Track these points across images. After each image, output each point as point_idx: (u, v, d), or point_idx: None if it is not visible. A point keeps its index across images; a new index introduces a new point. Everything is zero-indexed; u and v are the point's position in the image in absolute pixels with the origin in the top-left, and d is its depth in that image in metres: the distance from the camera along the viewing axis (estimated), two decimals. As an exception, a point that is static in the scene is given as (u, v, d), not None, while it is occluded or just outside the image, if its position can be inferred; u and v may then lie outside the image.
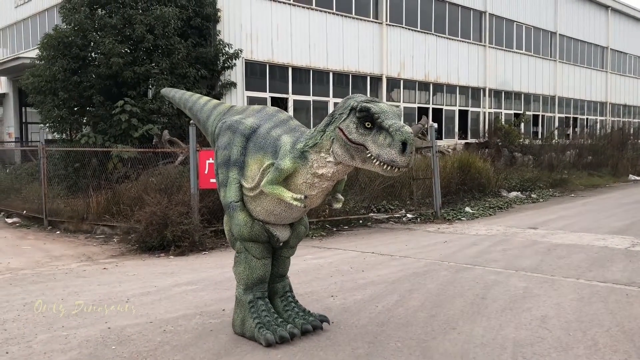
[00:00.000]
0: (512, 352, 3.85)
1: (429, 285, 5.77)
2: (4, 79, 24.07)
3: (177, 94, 5.48)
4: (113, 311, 4.98)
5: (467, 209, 12.09)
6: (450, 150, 17.93)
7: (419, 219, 11.06)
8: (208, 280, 6.20)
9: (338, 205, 4.07)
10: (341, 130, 3.51)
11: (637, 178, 21.48)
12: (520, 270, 6.42)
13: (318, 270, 6.56)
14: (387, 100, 20.83)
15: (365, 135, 3.41)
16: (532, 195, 14.90)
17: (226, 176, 4.14)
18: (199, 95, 5.26)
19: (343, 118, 3.52)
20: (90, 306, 5.15)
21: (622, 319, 4.57)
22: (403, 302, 5.13)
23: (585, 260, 6.99)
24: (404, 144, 3.27)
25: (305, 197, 3.76)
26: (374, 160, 3.38)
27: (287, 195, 3.73)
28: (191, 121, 9.37)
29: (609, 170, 21.12)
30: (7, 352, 3.98)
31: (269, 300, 4.21)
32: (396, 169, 3.35)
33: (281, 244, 4.20)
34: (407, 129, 3.32)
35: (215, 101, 5.01)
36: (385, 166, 3.35)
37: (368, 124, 3.40)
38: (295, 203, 3.72)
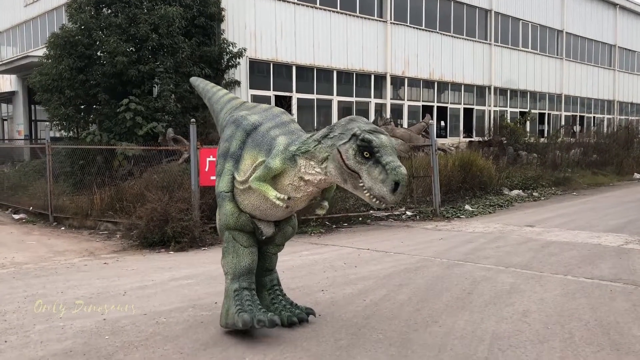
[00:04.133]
0: (489, 344, 3.98)
1: (418, 281, 5.90)
2: (13, 77, 24.42)
3: (201, 84, 5.62)
4: (110, 303, 5.16)
5: (467, 206, 12.18)
6: (452, 148, 17.99)
7: (418, 217, 11.18)
8: (204, 275, 6.37)
9: (321, 212, 4.13)
10: (339, 153, 3.59)
11: (642, 177, 21.42)
12: (510, 267, 6.54)
13: (312, 266, 6.71)
14: (393, 99, 20.96)
15: (362, 165, 3.50)
16: (534, 194, 14.95)
17: (222, 167, 4.29)
18: (219, 87, 5.44)
19: (343, 141, 3.59)
20: (88, 299, 5.34)
21: (602, 314, 4.69)
22: (390, 297, 5.27)
23: (576, 257, 7.10)
24: (397, 184, 3.38)
25: (289, 198, 3.88)
26: (365, 192, 3.49)
27: (272, 193, 3.86)
28: (192, 120, 9.58)
29: (614, 168, 21.07)
30: (5, 341, 4.17)
31: (256, 293, 4.25)
32: (383, 204, 3.50)
33: (264, 237, 4.27)
34: (403, 170, 3.43)
35: (231, 95, 5.18)
36: (374, 199, 3.48)
37: (366, 154, 3.49)
38: (277, 202, 3.84)
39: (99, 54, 13.77)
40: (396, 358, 3.76)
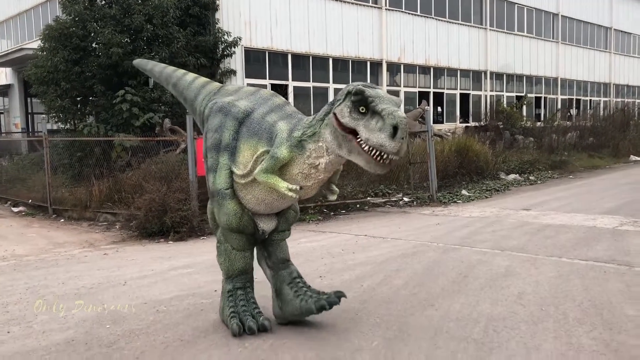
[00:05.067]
0: (484, 326, 4.06)
1: (415, 266, 5.97)
2: (8, 70, 24.33)
3: (155, 68, 5.23)
4: (110, 293, 5.22)
5: (464, 191, 12.25)
6: (449, 134, 18.03)
7: (415, 203, 11.25)
8: (203, 264, 6.43)
9: (333, 197, 3.93)
10: (335, 115, 3.40)
11: (638, 159, 21.50)
12: (506, 250, 6.62)
13: (310, 253, 6.78)
14: (389, 85, 20.93)
15: (358, 120, 3.28)
16: (531, 178, 15.03)
17: (216, 161, 3.95)
18: (184, 71, 5.01)
19: (339, 103, 3.40)
20: (89, 289, 5.40)
21: (595, 295, 4.76)
22: (387, 281, 5.34)
23: (571, 239, 7.17)
24: (395, 128, 3.14)
25: (301, 187, 3.64)
26: (363, 145, 3.25)
27: (282, 185, 3.60)
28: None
29: (610, 151, 21.15)
30: (8, 332, 4.23)
31: (251, 290, 4.13)
32: (382, 159, 3.22)
33: (266, 236, 4.10)
34: (401, 114, 3.20)
35: (203, 79, 4.77)
36: (373, 152, 3.21)
37: (362, 109, 3.28)
38: (290, 194, 3.59)
39: (93, 45, 13.73)
40: (392, 341, 3.83)
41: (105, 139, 11.97)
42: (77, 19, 13.53)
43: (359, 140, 3.28)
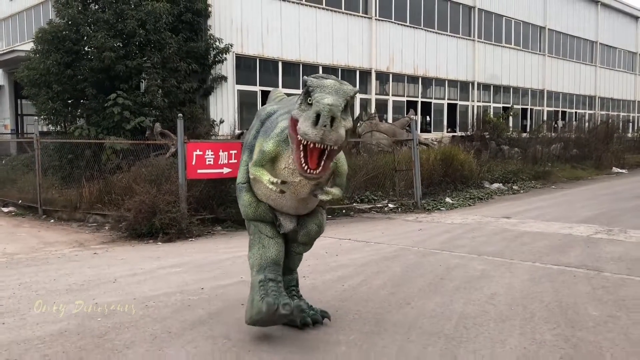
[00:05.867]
0: (455, 323, 4.31)
1: (395, 268, 6.22)
2: (0, 71, 24.39)
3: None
4: (101, 290, 5.42)
5: (448, 199, 12.55)
6: (435, 142, 18.36)
7: (400, 209, 11.52)
8: (191, 264, 6.64)
9: (323, 197, 3.69)
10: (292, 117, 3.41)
11: (620, 171, 21.97)
12: (483, 255, 6.89)
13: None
14: (378, 94, 21.25)
15: (303, 111, 3.27)
16: (514, 187, 15.37)
17: (242, 158, 4.25)
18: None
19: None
20: (80, 286, 5.59)
21: (563, 296, 5.04)
22: (367, 282, 5.59)
23: (547, 246, 7.46)
24: (318, 115, 3.10)
25: (283, 182, 3.62)
26: (298, 137, 3.24)
27: (265, 178, 3.63)
28: (179, 115, 9.79)
29: (593, 163, 21.59)
30: (3, 323, 4.42)
31: (282, 286, 3.98)
32: (304, 170, 3.26)
33: (282, 231, 4.07)
34: (330, 100, 3.13)
35: (280, 95, 4.91)
36: (301, 139, 3.20)
37: (310, 100, 3.25)
38: (270, 187, 3.59)
39: (86, 49, 13.92)
40: (369, 335, 4.07)
41: (96, 142, 12.14)
42: (70, 22, 13.71)
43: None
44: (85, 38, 13.69)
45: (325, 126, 3.10)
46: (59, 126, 15.00)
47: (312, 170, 3.30)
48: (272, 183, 3.58)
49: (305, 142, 3.22)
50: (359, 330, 4.16)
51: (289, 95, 4.96)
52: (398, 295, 5.10)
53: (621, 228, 8.83)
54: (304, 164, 3.29)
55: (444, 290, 5.28)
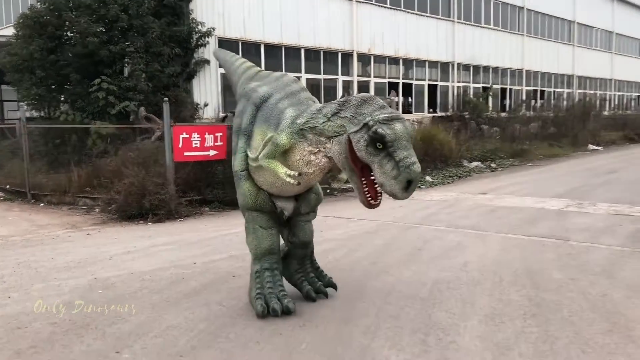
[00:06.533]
0: (430, 287, 4.69)
1: (376, 241, 6.60)
2: (-22, 57, 24.13)
3: (222, 55, 5.43)
4: (98, 266, 5.71)
5: (428, 177, 12.95)
6: (415, 123, 18.72)
7: (381, 188, 11.88)
8: (182, 242, 6.95)
9: (342, 176, 4.16)
10: (349, 141, 3.45)
11: (596, 148, 22.60)
12: (459, 228, 7.29)
13: (281, 232, 7.35)
14: (360, 76, 21.52)
15: (374, 157, 3.34)
16: (492, 165, 15.85)
17: (236, 144, 4.21)
18: (238, 57, 5.20)
19: (355, 129, 3.42)
20: (77, 263, 5.88)
21: (530, 263, 5.45)
22: (350, 254, 5.95)
23: (519, 219, 7.89)
24: (409, 183, 3.29)
25: (300, 174, 3.73)
26: (376, 186, 3.44)
27: (281, 170, 3.71)
28: (165, 99, 10.01)
29: (570, 140, 22.17)
30: (9, 297, 4.71)
31: (278, 273, 4.20)
32: (375, 201, 3.51)
33: (286, 216, 4.21)
34: (417, 168, 3.30)
35: (247, 64, 4.91)
36: (387, 194, 3.40)
37: (379, 145, 3.32)
38: (288, 180, 3.68)
39: (69, 34, 13.97)
40: (351, 299, 4.43)
41: (81, 127, 12.29)
42: (52, 8, 13.74)
43: (371, 177, 3.42)
44: (67, 23, 13.74)
45: (413, 191, 3.37)
46: (42, 112, 15.08)
47: (374, 201, 3.55)
48: (290, 176, 3.69)
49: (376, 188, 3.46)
50: (342, 296, 4.52)
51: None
52: (378, 265, 5.47)
53: (591, 202, 9.30)
54: (368, 196, 3.52)
55: (421, 260, 5.67)
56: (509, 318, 3.95)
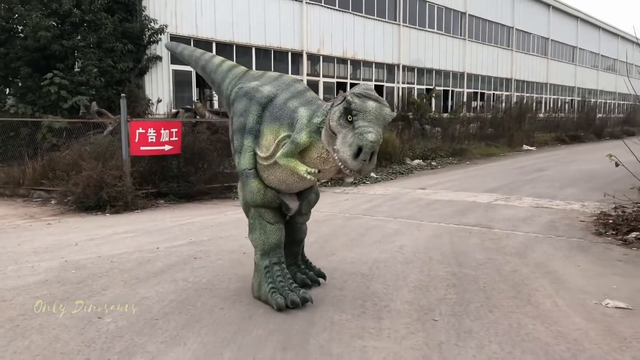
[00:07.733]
0: (370, 266, 5.40)
1: (324, 229, 7.27)
2: None
3: (185, 51, 5.48)
4: (66, 251, 6.14)
5: (372, 174, 13.75)
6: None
7: (329, 184, 12.58)
8: (143, 230, 7.42)
9: (348, 180, 4.47)
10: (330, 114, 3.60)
11: (530, 148, 24.11)
12: (398, 218, 8.07)
13: (237, 222, 7.90)
14: (310, 75, 22.18)
15: (342, 128, 3.44)
16: (433, 163, 16.85)
17: (241, 143, 4.23)
18: (212, 54, 5.25)
19: (337, 103, 3.57)
20: (45, 249, 6.28)
21: (457, 246, 6.25)
22: (300, 240, 6.59)
23: (452, 211, 8.74)
24: (359, 150, 3.29)
25: (319, 171, 3.88)
26: (334, 154, 3.48)
27: (302, 168, 3.83)
28: (122, 94, 10.36)
29: (506, 141, 23.58)
30: (-14, 277, 5.11)
31: (285, 266, 4.35)
32: (347, 170, 3.41)
33: (291, 213, 4.37)
34: (370, 136, 3.28)
35: (229, 63, 5.03)
36: (339, 163, 3.42)
37: (350, 117, 3.41)
38: (308, 177, 3.82)
39: (19, 28, 14.00)
40: (302, 276, 5.07)
41: (33, 120, 12.41)
42: (1, 1, 13.75)
43: (335, 147, 3.49)
44: (17, 16, 13.78)
45: (364, 160, 3.33)
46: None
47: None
48: (310, 173, 3.83)
49: (338, 160, 3.45)
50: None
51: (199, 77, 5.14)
52: (326, 249, 6.14)
53: (517, 196, 10.29)
54: (341, 165, 3.46)
55: (363, 244, 6.38)
56: (434, 288, 4.69)
